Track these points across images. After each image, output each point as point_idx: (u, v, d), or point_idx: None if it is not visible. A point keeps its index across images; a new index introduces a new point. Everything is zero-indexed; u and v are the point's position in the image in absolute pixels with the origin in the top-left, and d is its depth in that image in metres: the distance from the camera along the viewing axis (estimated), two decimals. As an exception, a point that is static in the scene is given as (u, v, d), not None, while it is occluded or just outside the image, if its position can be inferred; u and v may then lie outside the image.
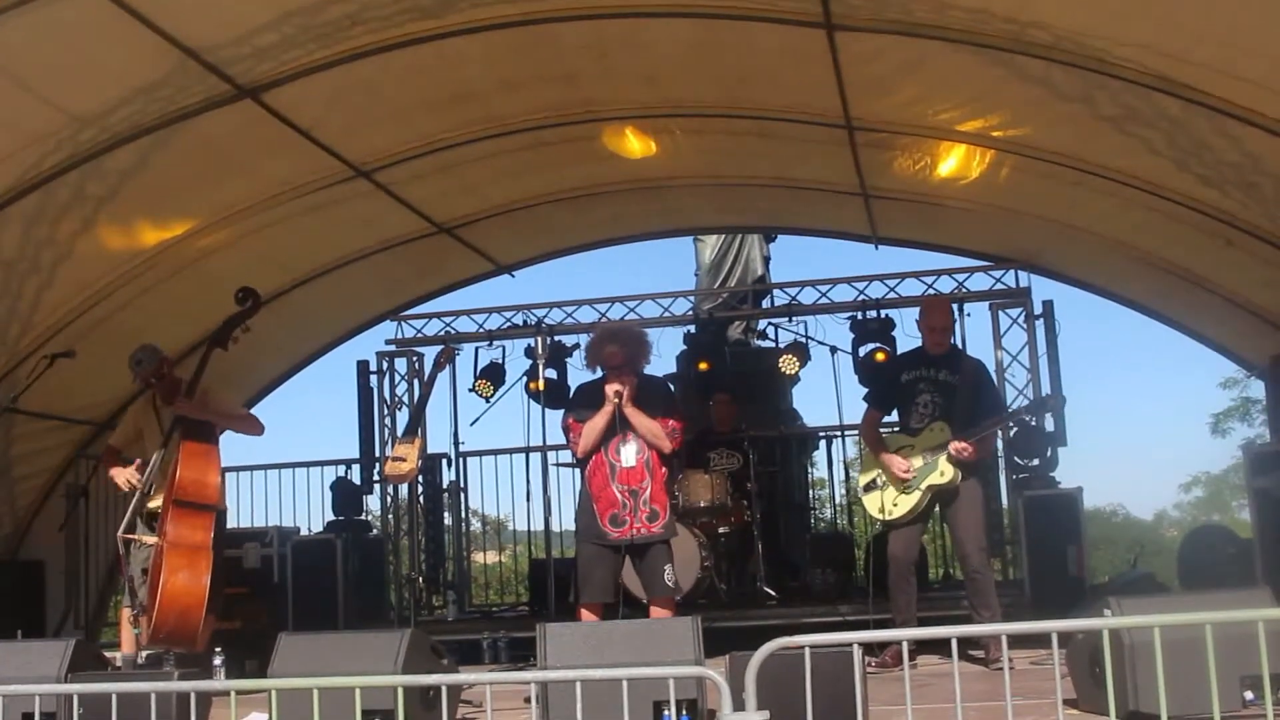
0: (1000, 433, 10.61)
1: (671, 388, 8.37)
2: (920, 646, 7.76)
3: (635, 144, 10.66)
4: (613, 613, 7.58)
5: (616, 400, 7.54)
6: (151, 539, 8.04)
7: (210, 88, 8.42)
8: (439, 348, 11.25)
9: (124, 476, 8.38)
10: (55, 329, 10.36)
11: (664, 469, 7.73)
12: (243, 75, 8.39)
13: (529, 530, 13.75)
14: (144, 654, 8.12)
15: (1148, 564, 16.34)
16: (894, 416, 8.84)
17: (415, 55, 8.53)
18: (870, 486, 8.17)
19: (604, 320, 14.08)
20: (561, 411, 8.32)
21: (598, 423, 7.62)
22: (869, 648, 7.50)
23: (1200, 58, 7.39)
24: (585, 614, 7.53)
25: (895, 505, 8.01)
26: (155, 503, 8.19)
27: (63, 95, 8.12)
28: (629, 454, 7.61)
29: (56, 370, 9.05)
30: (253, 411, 14.18)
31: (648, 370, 8.07)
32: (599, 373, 7.83)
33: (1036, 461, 12.12)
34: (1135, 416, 66.85)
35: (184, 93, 8.44)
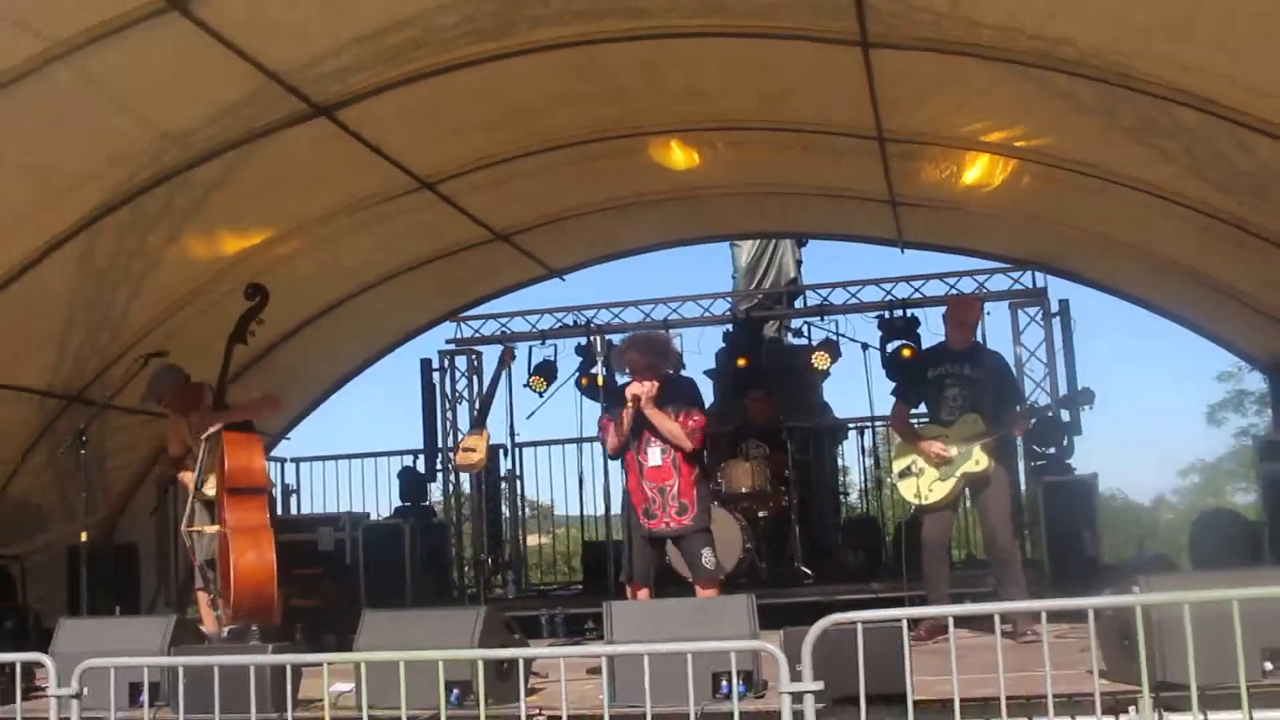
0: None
1: (697, 387, 8.35)
2: (951, 622, 7.73)
3: (680, 156, 10.67)
4: (662, 592, 7.59)
5: (633, 403, 7.55)
6: (212, 528, 8.08)
7: (289, 106, 8.48)
8: (499, 347, 11.29)
9: (185, 477, 8.47)
10: (142, 333, 10.46)
11: (693, 465, 7.70)
12: (318, 95, 8.44)
13: (581, 514, 13.85)
14: (226, 630, 8.16)
15: (1148, 546, 16.18)
16: (920, 409, 8.80)
17: (475, 75, 8.54)
18: (906, 473, 8.12)
19: (648, 320, 14.13)
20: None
21: (622, 423, 7.65)
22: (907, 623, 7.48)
23: (1219, 70, 7.32)
24: (630, 591, 7.58)
25: (931, 491, 7.96)
26: (209, 490, 8.20)
27: (156, 115, 8.19)
28: (655, 454, 7.63)
29: (145, 369, 9.10)
30: (325, 405, 14.50)
31: (685, 368, 8.05)
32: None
33: (1053, 450, 12.09)
34: (1136, 406, 66.32)
35: (265, 111, 8.51)
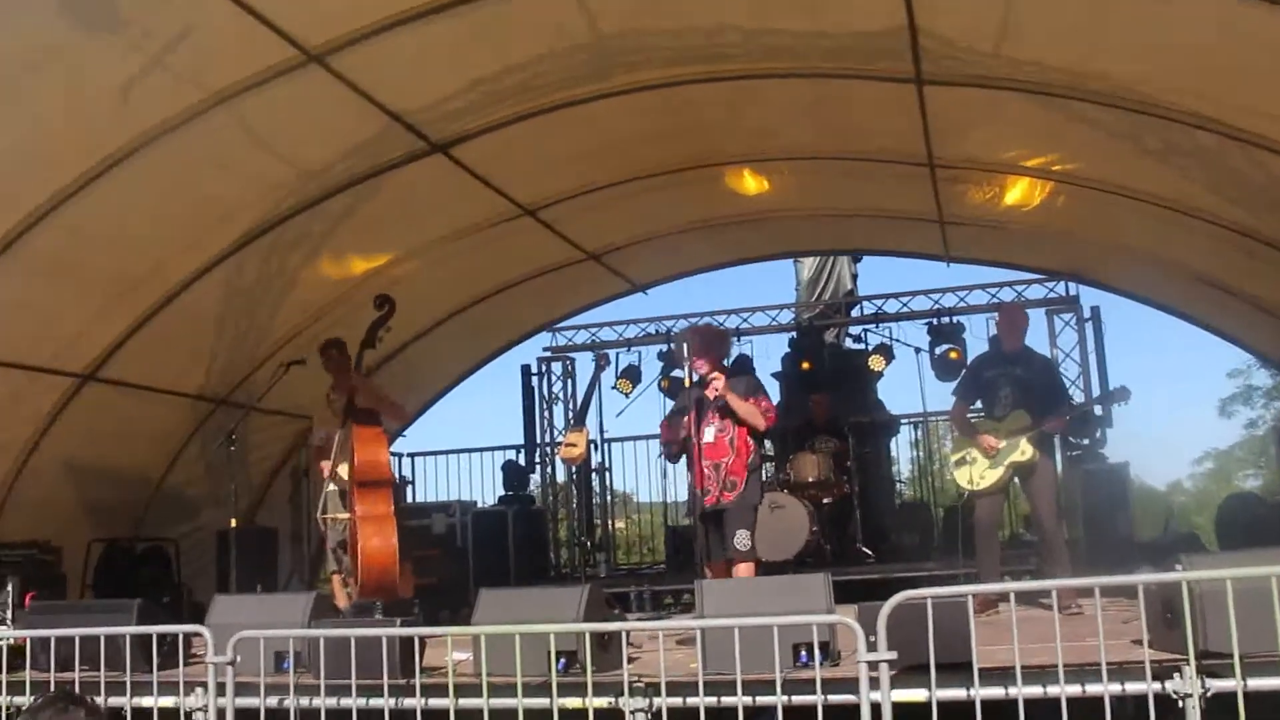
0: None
1: (758, 378, 8.08)
2: (999, 596, 7.58)
3: (751, 183, 10.59)
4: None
5: (696, 386, 7.25)
6: (343, 515, 8.08)
7: (410, 144, 8.55)
8: (590, 354, 11.24)
9: (323, 466, 8.49)
10: (283, 342, 10.57)
11: (749, 446, 7.34)
12: (436, 134, 8.50)
13: (665, 501, 13.80)
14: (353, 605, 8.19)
15: (1158, 525, 15.74)
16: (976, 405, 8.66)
17: (574, 114, 8.54)
18: (961, 462, 7.98)
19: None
20: None
21: (690, 409, 7.26)
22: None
23: (1235, 100, 7.19)
24: (711, 570, 7.27)
25: (983, 478, 7.82)
26: (341, 473, 8.18)
27: (296, 153, 8.30)
28: (710, 433, 7.25)
29: (286, 374, 9.14)
30: (436, 405, 14.55)
31: (755, 369, 7.80)
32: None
33: (1087, 440, 11.88)
34: (1154, 400, 64.99)
35: (389, 149, 8.58)
